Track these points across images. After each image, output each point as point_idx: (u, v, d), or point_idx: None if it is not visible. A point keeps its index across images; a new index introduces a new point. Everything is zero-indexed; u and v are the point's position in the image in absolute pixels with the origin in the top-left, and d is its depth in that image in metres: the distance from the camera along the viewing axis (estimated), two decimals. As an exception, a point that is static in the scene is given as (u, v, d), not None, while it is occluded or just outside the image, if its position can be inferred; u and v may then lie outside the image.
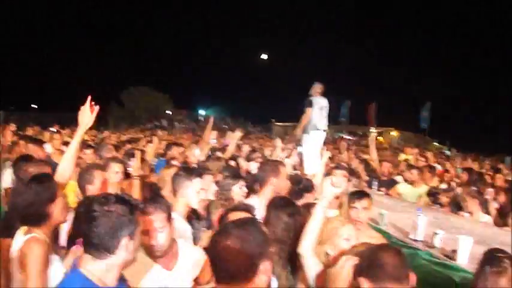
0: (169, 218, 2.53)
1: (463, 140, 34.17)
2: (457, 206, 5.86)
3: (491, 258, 2.28)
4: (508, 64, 42.55)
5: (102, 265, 1.82)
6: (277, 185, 3.83)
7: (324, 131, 7.95)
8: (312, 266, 2.56)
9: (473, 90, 44.42)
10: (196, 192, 3.34)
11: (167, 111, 41.44)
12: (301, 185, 4.27)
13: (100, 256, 1.81)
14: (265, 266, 1.68)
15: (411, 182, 7.18)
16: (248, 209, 2.78)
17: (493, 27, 46.76)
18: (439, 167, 9.31)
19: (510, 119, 37.13)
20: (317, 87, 7.79)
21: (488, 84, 44.97)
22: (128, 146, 7.82)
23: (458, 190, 6.65)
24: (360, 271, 2.14)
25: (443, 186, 7.34)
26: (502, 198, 6.00)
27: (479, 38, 48.39)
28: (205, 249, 2.61)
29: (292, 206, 2.96)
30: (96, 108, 2.95)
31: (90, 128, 3.09)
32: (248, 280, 1.66)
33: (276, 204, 2.95)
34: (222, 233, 1.71)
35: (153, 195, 3.76)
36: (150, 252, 2.46)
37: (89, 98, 2.95)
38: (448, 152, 27.49)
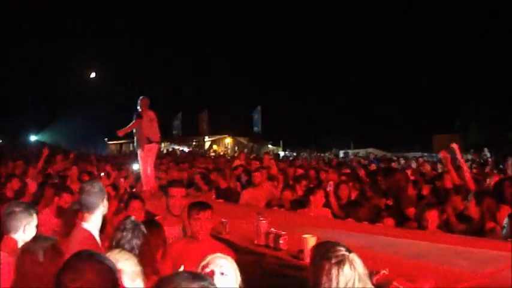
0: None
1: (295, 140, 36.33)
2: (298, 204, 5.90)
3: (326, 251, 2.17)
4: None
5: None
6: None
7: (157, 142, 8.23)
8: None
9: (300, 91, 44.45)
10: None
11: None
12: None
13: None
14: None
15: (254, 186, 7.12)
16: None
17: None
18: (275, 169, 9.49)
19: (338, 116, 39.59)
20: (143, 100, 8.05)
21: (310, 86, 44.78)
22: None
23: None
24: None
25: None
26: (343, 191, 6.12)
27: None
28: None
29: None
30: None
31: None
32: None
33: None
34: None
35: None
36: None
37: None
38: (282, 153, 29.40)
